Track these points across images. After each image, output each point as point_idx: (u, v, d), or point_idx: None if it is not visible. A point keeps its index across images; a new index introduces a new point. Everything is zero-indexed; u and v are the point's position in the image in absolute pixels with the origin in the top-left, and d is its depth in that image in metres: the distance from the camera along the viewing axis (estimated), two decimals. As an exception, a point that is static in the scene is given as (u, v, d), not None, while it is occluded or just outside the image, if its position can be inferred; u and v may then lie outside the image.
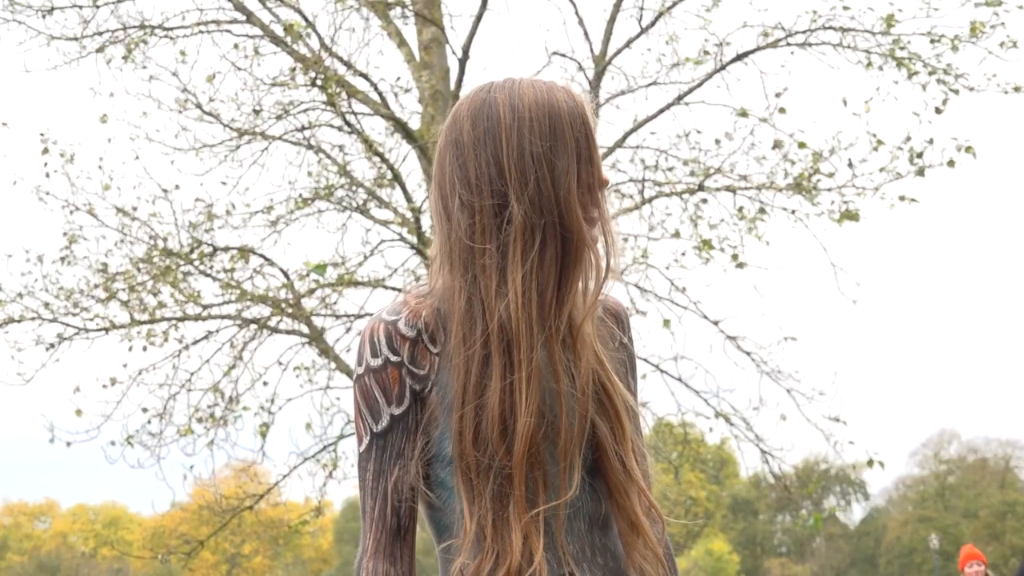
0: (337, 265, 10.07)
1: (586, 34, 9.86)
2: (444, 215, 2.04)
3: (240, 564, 67.88)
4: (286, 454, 10.30)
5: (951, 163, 9.44)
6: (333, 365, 10.11)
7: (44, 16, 10.20)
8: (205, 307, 10.16)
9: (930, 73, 9.51)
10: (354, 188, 10.17)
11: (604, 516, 2.07)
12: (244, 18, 9.99)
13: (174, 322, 10.17)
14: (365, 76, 9.77)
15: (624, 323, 2.22)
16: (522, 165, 1.99)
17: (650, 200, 10.01)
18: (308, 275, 9.93)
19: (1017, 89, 9.40)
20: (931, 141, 9.49)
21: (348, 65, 9.69)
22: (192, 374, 10.22)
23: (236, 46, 9.92)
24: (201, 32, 10.10)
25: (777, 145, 9.78)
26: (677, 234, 9.97)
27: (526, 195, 1.98)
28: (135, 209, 10.12)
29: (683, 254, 10.02)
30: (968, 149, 9.38)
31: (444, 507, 2.04)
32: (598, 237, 2.02)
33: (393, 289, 10.06)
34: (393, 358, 2.05)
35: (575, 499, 2.04)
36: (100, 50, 10.22)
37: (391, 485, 2.05)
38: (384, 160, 9.88)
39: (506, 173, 1.99)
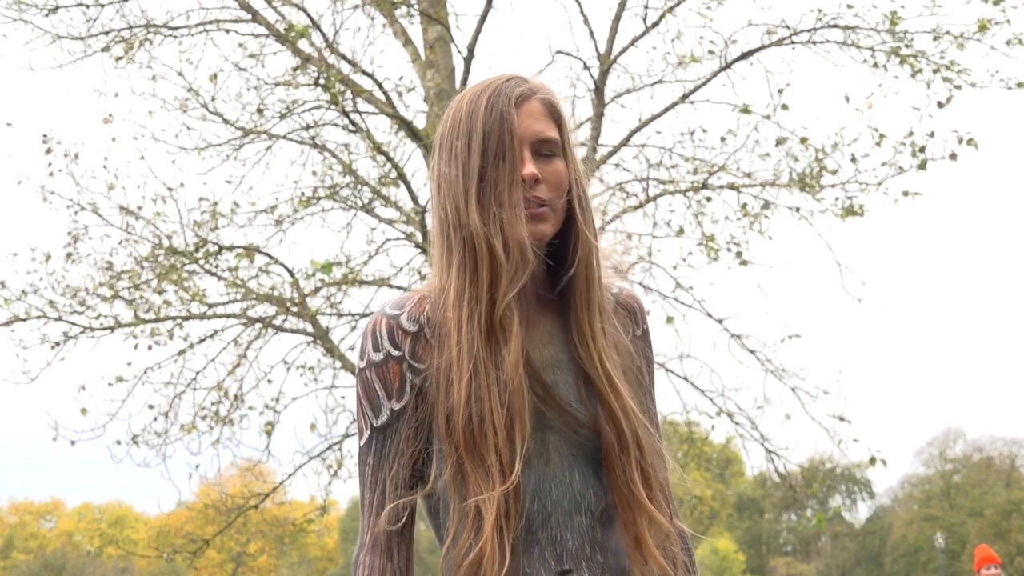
0: (342, 264, 10.08)
1: (591, 32, 9.87)
2: None
3: (245, 563, 67.93)
4: (291, 453, 10.32)
5: (953, 156, 9.45)
6: (338, 364, 10.12)
7: (48, 14, 10.22)
8: (210, 306, 10.17)
9: (934, 71, 9.51)
10: (359, 187, 10.18)
11: (606, 512, 2.07)
12: (249, 17, 10.00)
13: (179, 321, 10.18)
14: (370, 75, 9.78)
15: (638, 316, 2.24)
16: (436, 178, 2.13)
17: (655, 198, 10.01)
18: (314, 274, 9.94)
19: (1021, 85, 9.39)
20: (932, 134, 9.50)
21: (353, 64, 9.69)
22: (197, 373, 10.23)
23: (240, 45, 9.94)
24: (206, 31, 10.12)
25: (780, 142, 9.79)
26: (681, 231, 9.97)
27: (438, 203, 2.11)
28: (140, 208, 10.13)
29: (690, 253, 10.02)
30: (970, 142, 9.38)
31: (440, 500, 2.05)
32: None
33: (398, 288, 10.07)
34: (394, 352, 2.07)
35: (576, 493, 2.05)
36: (105, 49, 10.24)
37: (389, 479, 2.06)
38: (389, 159, 9.88)
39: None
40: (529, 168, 2.05)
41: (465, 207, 2.05)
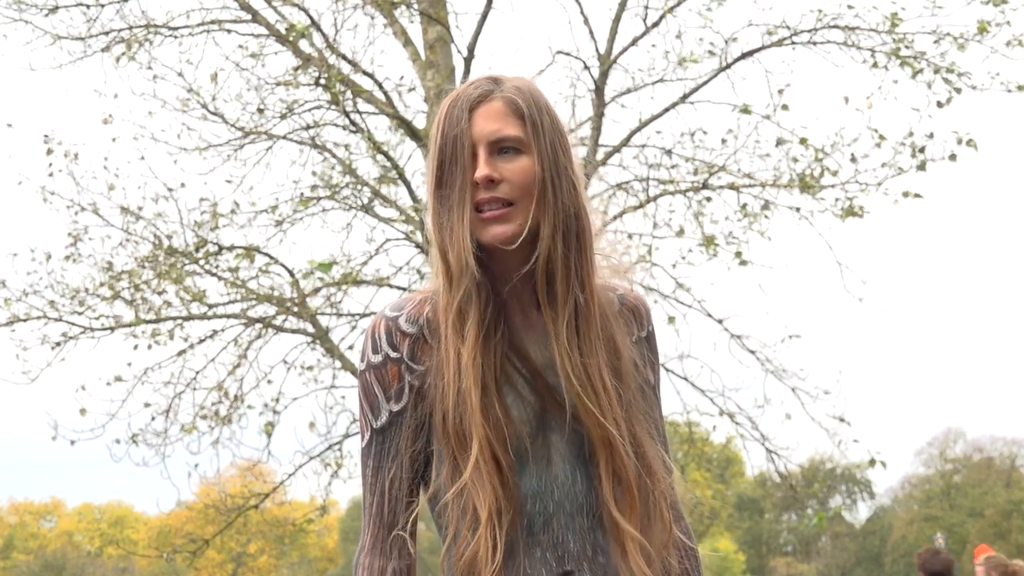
0: (341, 264, 10.07)
1: (591, 33, 9.86)
2: None
3: (245, 563, 67.92)
4: (291, 453, 10.31)
5: (952, 157, 9.45)
6: (338, 364, 10.12)
7: (48, 14, 10.22)
8: (210, 306, 10.17)
9: (935, 72, 9.52)
10: (359, 187, 10.17)
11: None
12: (249, 17, 10.00)
13: (179, 321, 10.17)
14: (370, 75, 9.78)
15: (642, 318, 2.23)
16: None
17: (655, 198, 10.01)
18: (312, 273, 9.92)
19: (1021, 87, 9.39)
20: (931, 135, 9.50)
21: (353, 64, 9.69)
22: (197, 373, 10.23)
23: (241, 45, 9.94)
24: (206, 31, 10.12)
25: (780, 142, 9.79)
26: (681, 231, 9.97)
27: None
28: (140, 208, 10.13)
29: (689, 251, 10.02)
30: (970, 143, 9.38)
31: (441, 500, 2.05)
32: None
33: (398, 288, 10.07)
34: (393, 354, 2.07)
35: (578, 494, 2.04)
36: (105, 49, 10.24)
37: (388, 481, 2.06)
38: (389, 159, 9.88)
39: None
40: (481, 170, 2.04)
41: (429, 215, 2.08)
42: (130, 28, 10.19)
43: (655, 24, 9.86)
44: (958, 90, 9.45)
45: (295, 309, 9.96)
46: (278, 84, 9.79)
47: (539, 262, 2.05)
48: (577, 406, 2.03)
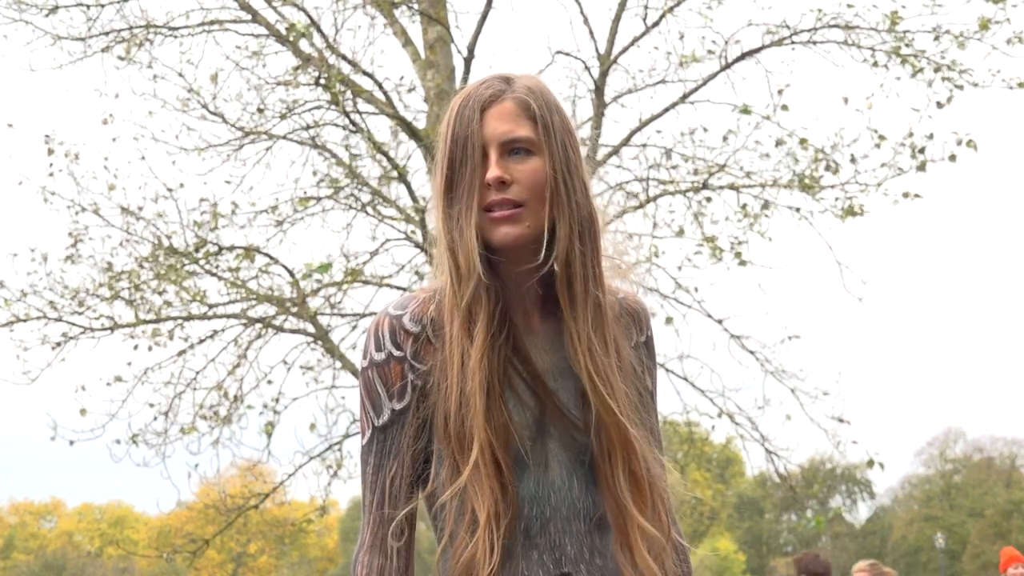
0: (341, 261, 10.07)
1: (591, 33, 9.87)
2: None
3: (246, 563, 67.93)
4: (291, 453, 10.31)
5: (952, 157, 9.45)
6: (338, 364, 10.11)
7: (48, 15, 10.22)
8: (211, 306, 10.17)
9: (935, 70, 9.52)
10: (360, 186, 10.17)
11: (604, 518, 2.07)
12: (249, 17, 10.01)
13: (179, 321, 10.18)
14: (370, 75, 9.78)
15: (642, 322, 2.22)
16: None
17: (655, 198, 10.01)
18: (309, 275, 9.92)
19: (1022, 85, 9.40)
20: (931, 136, 9.51)
21: (353, 64, 9.70)
22: (197, 373, 10.23)
23: (239, 46, 9.95)
24: (206, 31, 10.12)
25: (780, 142, 9.79)
26: (681, 231, 9.97)
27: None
28: (140, 209, 10.14)
29: (695, 253, 10.01)
30: (969, 143, 9.39)
31: (439, 500, 2.05)
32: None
33: (397, 287, 10.07)
34: (396, 353, 2.06)
35: (575, 499, 2.04)
36: (105, 50, 10.25)
37: (389, 479, 2.05)
38: (389, 159, 9.88)
39: None
40: (492, 171, 2.03)
41: (437, 215, 2.07)
42: (130, 28, 10.19)
43: (655, 24, 9.86)
44: (959, 87, 9.46)
45: (295, 309, 9.96)
46: (278, 84, 9.79)
47: (558, 262, 2.04)
48: (598, 406, 2.02)
